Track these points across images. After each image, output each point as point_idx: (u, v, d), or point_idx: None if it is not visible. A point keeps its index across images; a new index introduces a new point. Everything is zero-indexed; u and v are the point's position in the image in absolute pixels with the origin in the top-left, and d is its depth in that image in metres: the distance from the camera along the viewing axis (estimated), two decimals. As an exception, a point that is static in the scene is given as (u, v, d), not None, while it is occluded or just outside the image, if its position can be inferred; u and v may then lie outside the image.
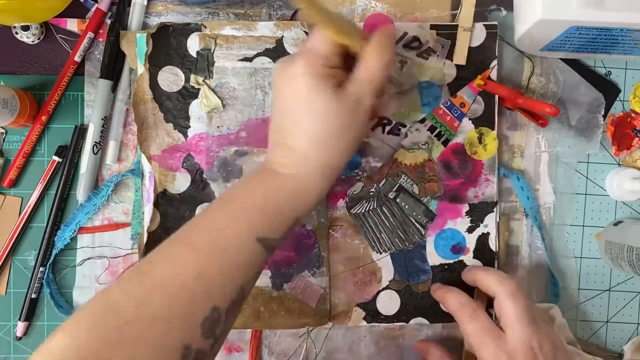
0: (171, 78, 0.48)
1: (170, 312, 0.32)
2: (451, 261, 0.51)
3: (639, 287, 0.53)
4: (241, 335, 0.51)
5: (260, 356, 0.51)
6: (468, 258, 0.51)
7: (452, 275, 0.51)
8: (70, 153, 0.49)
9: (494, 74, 0.50)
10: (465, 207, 0.50)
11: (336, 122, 0.38)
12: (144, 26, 0.50)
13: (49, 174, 0.49)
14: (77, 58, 0.49)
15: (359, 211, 0.50)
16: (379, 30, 0.39)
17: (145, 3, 0.49)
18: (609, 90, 0.52)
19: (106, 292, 0.34)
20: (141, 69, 0.48)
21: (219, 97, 0.48)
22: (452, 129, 0.50)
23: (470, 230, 0.51)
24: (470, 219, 0.51)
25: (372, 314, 0.50)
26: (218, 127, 0.49)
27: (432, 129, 0.50)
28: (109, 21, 0.49)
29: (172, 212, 0.49)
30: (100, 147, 0.49)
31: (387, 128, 0.50)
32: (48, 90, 0.49)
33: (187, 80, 0.48)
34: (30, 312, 0.50)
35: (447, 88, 0.50)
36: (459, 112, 0.50)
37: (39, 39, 0.49)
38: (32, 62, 0.50)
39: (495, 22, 0.50)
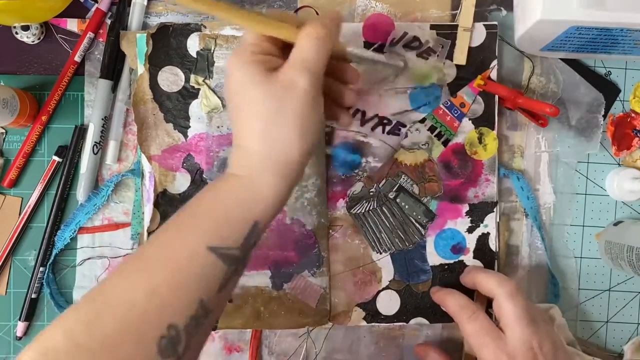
0: (171, 78, 0.48)
1: (121, 333, 0.31)
2: (451, 261, 0.51)
3: (639, 287, 0.53)
4: (241, 335, 0.51)
5: (260, 356, 0.51)
6: (468, 258, 0.51)
7: (452, 275, 0.51)
8: (70, 153, 0.49)
9: (494, 74, 0.50)
10: (465, 207, 0.50)
11: (272, 106, 0.35)
12: (144, 26, 0.50)
13: (49, 174, 0.49)
14: (77, 58, 0.49)
15: (359, 211, 0.50)
16: (311, 20, 0.38)
17: (145, 3, 0.49)
18: (609, 90, 0.52)
19: (60, 313, 0.33)
20: (141, 69, 0.48)
21: (219, 97, 0.48)
22: (452, 129, 0.50)
23: (470, 230, 0.51)
24: (470, 219, 0.51)
25: (372, 314, 0.50)
26: (218, 127, 0.49)
27: (432, 129, 0.50)
28: (109, 21, 0.49)
29: (172, 212, 0.48)
30: (100, 147, 0.49)
31: (387, 128, 0.50)
32: (48, 90, 0.49)
33: (187, 80, 0.48)
34: (30, 312, 0.50)
35: (447, 88, 0.50)
36: (459, 112, 0.50)
37: (39, 39, 0.49)
38: (32, 62, 0.50)
39: (495, 22, 0.50)
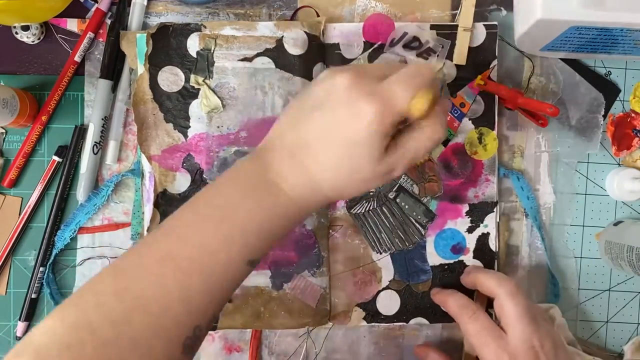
0: (171, 78, 0.48)
1: (152, 334, 0.30)
2: (451, 261, 0.51)
3: (639, 287, 0.53)
4: (241, 335, 0.51)
5: (260, 356, 0.51)
6: (468, 258, 0.51)
7: (452, 275, 0.51)
8: (70, 153, 0.49)
9: (494, 74, 0.50)
10: (465, 207, 0.50)
11: (364, 177, 0.35)
12: (144, 26, 0.50)
13: (49, 174, 0.49)
14: (77, 58, 0.49)
15: (359, 211, 0.50)
16: (440, 101, 0.36)
17: (145, 3, 0.49)
18: (609, 90, 0.52)
19: (80, 303, 0.31)
20: (141, 69, 0.48)
21: (219, 97, 0.48)
22: (452, 129, 0.50)
23: (470, 230, 0.51)
24: (470, 219, 0.50)
25: (372, 314, 0.50)
26: (218, 127, 0.49)
27: (432, 129, 0.50)
28: (109, 21, 0.49)
29: (172, 212, 0.48)
30: (100, 147, 0.49)
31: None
32: (48, 90, 0.49)
33: (187, 80, 0.48)
34: (30, 312, 0.50)
35: (447, 88, 0.50)
36: (459, 112, 0.50)
37: (39, 39, 0.49)
38: (32, 62, 0.50)
39: (495, 22, 0.50)
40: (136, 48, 0.48)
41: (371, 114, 0.32)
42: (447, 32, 0.50)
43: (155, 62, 0.48)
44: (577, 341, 0.51)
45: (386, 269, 0.50)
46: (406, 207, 0.50)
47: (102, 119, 0.49)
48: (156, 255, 0.33)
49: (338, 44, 0.49)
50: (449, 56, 0.50)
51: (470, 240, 0.51)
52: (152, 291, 0.31)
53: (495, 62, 0.50)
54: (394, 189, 0.50)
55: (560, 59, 0.51)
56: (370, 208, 0.50)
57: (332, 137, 0.34)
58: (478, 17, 0.50)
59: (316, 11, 0.50)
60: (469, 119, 0.50)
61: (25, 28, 0.48)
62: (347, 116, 0.33)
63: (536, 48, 0.49)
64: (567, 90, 0.52)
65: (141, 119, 0.48)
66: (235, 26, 0.48)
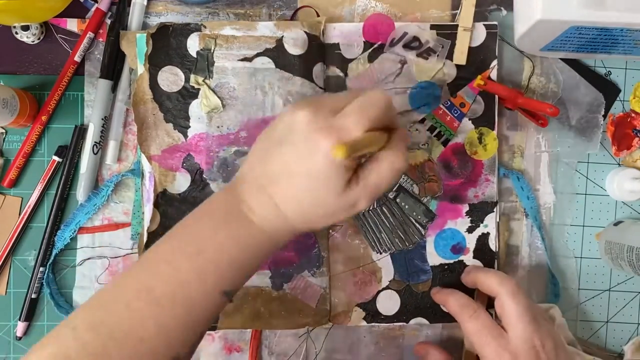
0: (171, 78, 0.48)
1: None
2: (451, 261, 0.51)
3: (639, 287, 0.53)
4: (241, 335, 0.51)
5: (260, 356, 0.51)
6: (468, 258, 0.51)
7: (452, 275, 0.51)
8: (70, 153, 0.49)
9: (494, 74, 0.50)
10: (465, 207, 0.50)
11: (328, 211, 0.36)
12: (144, 26, 0.50)
13: (49, 174, 0.49)
14: (77, 58, 0.49)
15: (359, 211, 0.50)
16: (397, 131, 0.37)
17: (145, 3, 0.49)
18: (609, 90, 0.52)
19: (58, 338, 0.32)
20: (141, 69, 0.48)
21: (219, 97, 0.48)
22: (452, 129, 0.50)
23: (470, 230, 0.51)
24: (470, 219, 0.50)
25: (372, 314, 0.50)
26: (218, 127, 0.49)
27: (432, 129, 0.50)
28: (109, 21, 0.49)
29: (172, 212, 0.49)
30: (100, 147, 0.49)
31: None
32: (48, 90, 0.49)
33: (187, 80, 0.48)
34: (30, 312, 0.50)
35: (447, 88, 0.50)
36: (459, 112, 0.50)
37: (39, 39, 0.49)
38: (32, 62, 0.50)
39: (496, 22, 0.50)
40: (136, 48, 0.48)
41: (328, 147, 0.33)
42: (447, 32, 0.50)
43: (155, 62, 0.48)
44: (577, 341, 0.51)
45: (386, 269, 0.50)
46: (406, 207, 0.50)
47: (102, 119, 0.49)
48: (132, 289, 0.34)
49: (338, 44, 0.49)
50: (449, 56, 0.50)
51: (470, 240, 0.51)
52: (128, 324, 0.32)
53: (495, 62, 0.50)
54: (394, 189, 0.50)
55: (560, 59, 0.51)
56: (370, 208, 0.50)
57: (294, 172, 0.35)
58: (478, 17, 0.50)
59: (316, 11, 0.50)
60: (469, 119, 0.50)
61: (25, 28, 0.48)
62: (306, 151, 0.34)
63: (536, 48, 0.49)
64: (567, 90, 0.52)
65: (141, 119, 0.48)
66: (235, 26, 0.48)
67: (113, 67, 0.49)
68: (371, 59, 0.50)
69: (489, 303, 0.46)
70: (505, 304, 0.42)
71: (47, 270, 0.49)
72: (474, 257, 0.51)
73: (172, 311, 0.33)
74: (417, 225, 0.50)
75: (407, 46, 0.50)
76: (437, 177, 0.50)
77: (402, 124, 0.50)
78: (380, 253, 0.50)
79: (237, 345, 0.51)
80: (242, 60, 0.48)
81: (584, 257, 0.53)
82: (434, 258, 0.51)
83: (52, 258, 0.49)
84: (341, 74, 0.50)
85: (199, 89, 0.48)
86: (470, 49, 0.50)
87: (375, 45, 0.50)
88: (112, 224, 0.50)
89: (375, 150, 0.36)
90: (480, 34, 0.50)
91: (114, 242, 0.50)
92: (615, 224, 0.52)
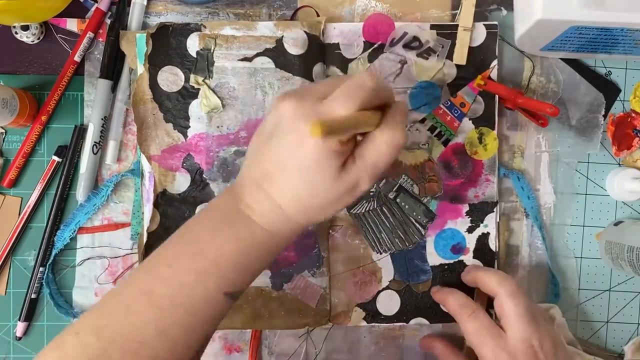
0: (171, 78, 0.48)
1: None
2: (451, 261, 0.51)
3: (639, 287, 0.53)
4: (241, 335, 0.51)
5: (260, 356, 0.51)
6: (468, 258, 0.51)
7: (452, 275, 0.50)
8: (70, 153, 0.49)
9: (494, 74, 0.50)
10: (466, 207, 0.50)
11: (328, 198, 0.35)
12: (144, 26, 0.50)
13: (49, 174, 0.49)
14: (77, 58, 0.49)
15: (359, 211, 0.50)
16: (393, 106, 0.36)
17: (145, 3, 0.49)
18: (609, 90, 0.52)
19: (61, 343, 0.32)
20: (141, 69, 0.48)
21: (218, 97, 0.48)
22: (452, 129, 0.50)
23: (470, 230, 0.51)
24: (470, 219, 0.50)
25: (372, 314, 0.50)
26: (218, 127, 0.49)
27: (432, 129, 0.50)
28: (108, 21, 0.49)
29: (172, 212, 0.49)
30: (100, 147, 0.49)
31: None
32: (48, 90, 0.49)
33: (187, 80, 0.48)
34: (30, 312, 0.50)
35: (447, 88, 0.50)
36: (459, 112, 0.50)
37: (38, 38, 0.49)
38: (32, 62, 0.50)
39: (496, 22, 0.50)
40: (136, 48, 0.48)
41: (318, 133, 0.32)
42: (447, 32, 0.49)
43: (155, 62, 0.48)
44: (578, 341, 0.51)
45: (386, 269, 0.50)
46: (406, 207, 0.50)
47: (102, 119, 0.49)
48: (133, 293, 0.34)
49: (338, 43, 0.49)
50: (449, 56, 0.50)
51: (470, 240, 0.51)
52: (129, 328, 0.32)
53: (495, 62, 0.50)
54: (394, 189, 0.50)
55: (561, 58, 0.51)
56: (370, 208, 0.50)
57: (286, 165, 0.34)
58: (478, 17, 0.50)
59: (316, 11, 0.50)
60: (469, 119, 0.50)
61: (25, 28, 0.48)
62: (294, 141, 0.34)
63: (536, 48, 0.49)
64: (567, 90, 0.52)
65: (141, 119, 0.48)
66: (235, 26, 0.48)
67: (113, 67, 0.49)
68: (371, 59, 0.49)
69: (489, 303, 0.46)
70: (504, 304, 0.42)
71: (46, 270, 0.49)
72: (474, 257, 0.51)
73: (173, 314, 0.33)
74: (417, 225, 0.50)
75: (407, 46, 0.50)
76: (437, 177, 0.50)
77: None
78: (380, 253, 0.50)
79: (237, 345, 0.51)
80: (242, 60, 0.48)
81: (584, 257, 0.53)
82: (434, 258, 0.51)
83: (51, 258, 0.49)
84: (341, 74, 0.49)
85: (198, 89, 0.48)
86: (470, 49, 0.50)
87: (375, 45, 0.50)
88: (111, 224, 0.50)
89: (369, 129, 0.35)
90: (480, 34, 0.50)
91: (113, 242, 0.50)
92: (616, 224, 0.52)
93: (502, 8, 0.51)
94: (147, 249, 0.48)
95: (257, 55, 0.48)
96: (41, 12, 0.47)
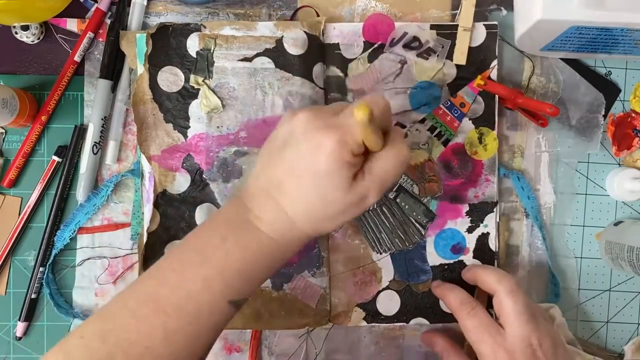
0: (171, 78, 0.48)
1: None
2: (451, 261, 0.51)
3: (639, 287, 0.53)
4: (241, 335, 0.51)
5: (260, 356, 0.51)
6: (468, 258, 0.51)
7: (452, 275, 0.50)
8: (70, 153, 0.49)
9: (494, 74, 0.50)
10: (465, 207, 0.50)
11: (337, 209, 0.36)
12: (144, 26, 0.50)
13: (49, 174, 0.49)
14: (76, 58, 0.49)
15: (359, 211, 0.50)
16: (393, 129, 0.38)
17: (145, 3, 0.49)
18: (609, 90, 0.52)
19: (66, 346, 0.32)
20: (141, 69, 0.48)
21: (218, 97, 0.48)
22: (452, 129, 0.50)
23: (470, 230, 0.51)
24: (470, 219, 0.50)
25: (372, 314, 0.50)
26: (218, 127, 0.49)
27: (432, 129, 0.50)
28: (108, 21, 0.49)
29: (172, 213, 0.49)
30: (100, 147, 0.49)
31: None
32: (48, 90, 0.49)
33: (187, 80, 0.48)
34: (30, 312, 0.50)
35: (447, 88, 0.50)
36: (459, 112, 0.50)
37: (38, 38, 0.49)
38: (32, 62, 0.50)
39: (496, 22, 0.50)
40: (136, 48, 0.48)
41: (330, 144, 0.34)
42: (447, 32, 0.49)
43: (155, 62, 0.48)
44: (578, 341, 0.51)
45: (386, 269, 0.50)
46: (406, 207, 0.50)
47: (102, 119, 0.49)
48: (140, 298, 0.34)
49: (338, 44, 0.49)
50: (449, 56, 0.50)
51: (470, 240, 0.51)
52: (135, 332, 0.33)
53: (495, 62, 0.50)
54: (394, 189, 0.50)
55: (561, 59, 0.51)
56: (370, 208, 0.50)
57: (299, 173, 0.35)
58: (478, 17, 0.50)
59: (316, 11, 0.50)
60: (469, 119, 0.50)
61: (25, 28, 0.48)
62: (309, 150, 0.35)
63: (536, 48, 0.49)
64: (567, 90, 0.52)
65: (141, 119, 0.48)
66: (235, 26, 0.48)
67: (113, 67, 0.49)
68: (371, 59, 0.49)
69: (489, 302, 0.46)
70: (503, 301, 0.42)
71: (46, 270, 0.49)
72: (474, 257, 0.51)
73: (178, 320, 0.33)
74: (417, 225, 0.50)
75: (407, 46, 0.50)
76: (437, 177, 0.50)
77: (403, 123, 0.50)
78: (380, 253, 0.50)
79: (237, 345, 0.51)
80: (242, 60, 0.48)
81: (584, 257, 0.53)
82: (434, 258, 0.51)
83: (51, 258, 0.49)
84: (341, 74, 0.50)
85: (198, 89, 0.48)
86: (470, 49, 0.50)
87: (375, 45, 0.50)
88: (111, 224, 0.50)
89: (376, 149, 0.37)
90: (480, 34, 0.50)
91: (113, 242, 0.50)
92: (616, 224, 0.52)
93: (502, 8, 0.51)
94: (147, 249, 0.48)
95: (257, 55, 0.48)
96: (41, 12, 0.47)
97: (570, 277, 0.53)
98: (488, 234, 0.51)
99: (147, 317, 0.33)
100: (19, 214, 0.50)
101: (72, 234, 0.49)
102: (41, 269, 0.49)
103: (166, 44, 0.48)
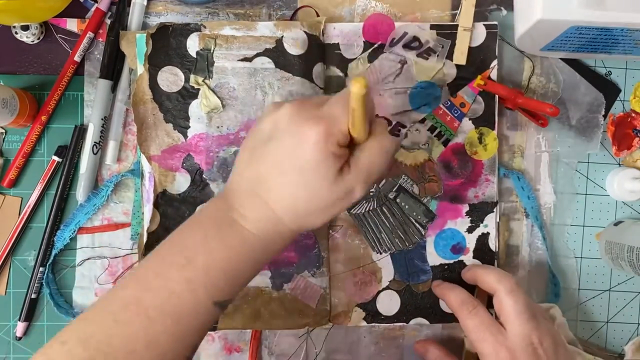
0: (171, 78, 0.48)
1: None
2: (451, 261, 0.51)
3: (639, 287, 0.53)
4: (241, 335, 0.51)
5: (260, 356, 0.51)
6: (468, 258, 0.51)
7: (452, 275, 0.50)
8: (70, 153, 0.49)
9: (494, 74, 0.50)
10: (465, 207, 0.50)
11: (324, 203, 0.35)
12: (144, 26, 0.50)
13: (49, 174, 0.49)
14: (76, 58, 0.49)
15: (359, 211, 0.50)
16: (377, 120, 0.38)
17: (145, 3, 0.49)
18: (609, 90, 0.52)
19: (48, 353, 0.32)
20: (141, 69, 0.48)
21: (218, 97, 0.48)
22: (452, 129, 0.50)
23: (470, 230, 0.51)
24: (470, 219, 0.50)
25: (372, 314, 0.50)
26: (218, 127, 0.49)
27: (432, 129, 0.50)
28: (108, 21, 0.49)
29: (172, 213, 0.49)
30: (100, 147, 0.49)
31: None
32: (48, 90, 0.49)
33: (187, 80, 0.48)
34: (30, 312, 0.50)
35: (447, 88, 0.50)
36: (459, 112, 0.50)
37: (38, 38, 0.49)
38: (32, 62, 0.50)
39: (496, 22, 0.50)
40: (136, 48, 0.48)
41: (315, 135, 0.34)
42: (447, 32, 0.49)
43: (154, 62, 0.48)
44: (578, 341, 0.51)
45: (386, 269, 0.50)
46: (406, 207, 0.50)
47: (102, 119, 0.49)
48: (122, 302, 0.33)
49: (338, 44, 0.49)
50: (449, 56, 0.50)
51: (470, 240, 0.51)
52: (118, 337, 0.32)
53: (495, 62, 0.50)
54: (394, 189, 0.50)
55: (561, 58, 0.51)
56: (370, 208, 0.50)
57: (284, 167, 0.35)
58: (478, 17, 0.50)
59: (316, 11, 0.50)
60: (469, 119, 0.50)
61: (25, 28, 0.48)
62: (294, 143, 0.34)
63: (536, 48, 0.49)
64: (567, 90, 0.52)
65: (141, 119, 0.48)
66: (235, 26, 0.48)
67: (113, 67, 0.49)
68: (371, 59, 0.49)
69: (489, 302, 0.46)
70: (504, 300, 0.42)
71: (46, 270, 0.49)
72: (474, 257, 0.51)
73: (162, 323, 0.33)
74: (417, 225, 0.50)
75: (407, 46, 0.50)
76: (437, 177, 0.50)
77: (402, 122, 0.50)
78: (380, 253, 0.50)
79: (237, 345, 0.51)
80: (242, 60, 0.48)
81: (584, 257, 0.53)
82: (434, 258, 0.51)
83: (51, 258, 0.49)
84: (341, 74, 0.50)
85: (198, 89, 0.48)
86: (470, 49, 0.50)
87: (375, 45, 0.50)
88: (111, 224, 0.50)
89: (361, 141, 0.36)
90: (480, 34, 0.50)
91: (113, 242, 0.50)
92: (616, 224, 0.52)
93: (502, 8, 0.51)
94: (147, 249, 0.48)
95: (257, 55, 0.48)
96: (41, 12, 0.47)
97: (570, 277, 0.53)
98: (488, 234, 0.51)
99: (130, 321, 0.32)
100: (19, 214, 0.50)
101: (72, 234, 0.49)
102: (41, 269, 0.49)
103: (166, 44, 0.48)
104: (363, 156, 0.36)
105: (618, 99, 0.52)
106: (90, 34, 0.49)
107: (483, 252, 0.51)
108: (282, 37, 0.48)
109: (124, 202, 0.50)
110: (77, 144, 0.49)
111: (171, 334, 0.33)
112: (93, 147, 0.49)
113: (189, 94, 0.48)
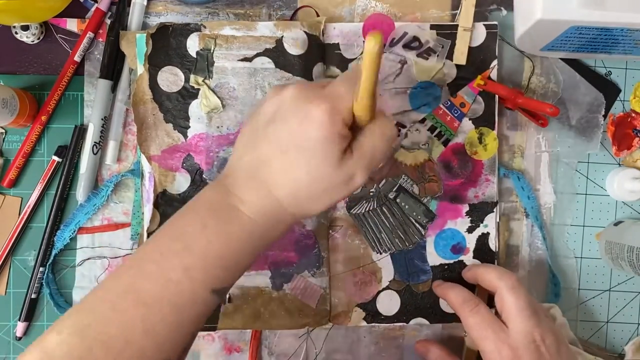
0: (171, 78, 0.48)
1: None
2: (451, 261, 0.51)
3: (639, 287, 0.53)
4: (241, 335, 0.51)
5: (260, 356, 0.51)
6: (468, 258, 0.51)
7: (452, 275, 0.50)
8: (70, 153, 0.49)
9: (494, 74, 0.50)
10: (465, 207, 0.50)
11: (324, 186, 0.35)
12: (144, 26, 0.50)
13: (49, 174, 0.49)
14: (76, 58, 0.49)
15: (359, 211, 0.50)
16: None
17: (145, 3, 0.49)
18: (609, 90, 0.52)
19: (44, 343, 0.31)
20: (141, 69, 0.48)
21: (218, 97, 0.48)
22: (452, 129, 0.50)
23: (470, 230, 0.51)
24: (470, 219, 0.50)
25: (372, 314, 0.50)
26: (218, 127, 0.49)
27: (432, 129, 0.50)
28: (108, 21, 0.49)
29: (172, 213, 0.48)
30: (100, 147, 0.49)
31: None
32: (48, 90, 0.49)
33: (187, 80, 0.48)
34: (30, 312, 0.49)
35: (447, 88, 0.50)
36: (459, 112, 0.50)
37: (38, 38, 0.49)
38: (32, 62, 0.50)
39: (496, 22, 0.50)
40: (136, 48, 0.48)
41: (320, 114, 0.33)
42: (447, 32, 0.49)
43: (154, 62, 0.48)
44: (578, 341, 0.51)
45: (386, 269, 0.50)
46: (406, 207, 0.50)
47: (102, 119, 0.49)
48: (119, 290, 0.33)
49: (338, 44, 0.49)
50: (449, 56, 0.50)
51: (470, 240, 0.51)
52: (115, 326, 0.31)
53: (495, 62, 0.50)
54: (394, 189, 0.50)
55: (561, 58, 0.51)
56: (370, 208, 0.50)
57: (287, 148, 0.34)
58: (478, 17, 0.50)
59: (316, 11, 0.50)
60: (469, 119, 0.50)
61: (25, 28, 0.48)
62: (298, 123, 0.34)
63: (536, 48, 0.49)
64: (567, 90, 0.52)
65: (141, 119, 0.48)
66: (235, 26, 0.48)
67: (113, 67, 0.49)
68: (371, 59, 0.49)
69: (490, 301, 0.46)
70: (505, 298, 0.42)
71: (46, 270, 0.49)
72: (474, 257, 0.51)
73: (159, 312, 0.32)
74: (417, 225, 0.50)
75: (407, 46, 0.50)
76: (437, 177, 0.50)
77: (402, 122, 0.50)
78: (380, 253, 0.50)
79: (237, 345, 0.51)
80: (242, 60, 0.48)
81: (584, 257, 0.53)
82: (434, 258, 0.51)
83: (51, 258, 0.49)
84: (341, 74, 0.50)
85: (198, 89, 0.48)
86: (470, 49, 0.50)
87: (375, 45, 0.49)
88: (111, 224, 0.50)
89: (363, 123, 0.36)
90: (480, 34, 0.50)
91: (113, 242, 0.50)
92: (616, 224, 0.52)
93: (502, 8, 0.51)
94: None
95: (257, 55, 0.48)
96: (41, 12, 0.47)
97: (571, 277, 0.53)
98: (488, 234, 0.51)
99: (127, 310, 0.32)
100: (19, 214, 0.50)
101: (72, 234, 0.49)
102: (41, 269, 0.49)
103: (166, 44, 0.48)
104: (366, 141, 0.36)
105: (618, 99, 0.52)
106: (90, 34, 0.49)
107: (483, 252, 0.51)
108: (282, 37, 0.48)
109: (124, 202, 0.50)
110: (77, 144, 0.49)
111: (169, 322, 0.32)
112: (93, 147, 0.49)
113: (189, 94, 0.48)
